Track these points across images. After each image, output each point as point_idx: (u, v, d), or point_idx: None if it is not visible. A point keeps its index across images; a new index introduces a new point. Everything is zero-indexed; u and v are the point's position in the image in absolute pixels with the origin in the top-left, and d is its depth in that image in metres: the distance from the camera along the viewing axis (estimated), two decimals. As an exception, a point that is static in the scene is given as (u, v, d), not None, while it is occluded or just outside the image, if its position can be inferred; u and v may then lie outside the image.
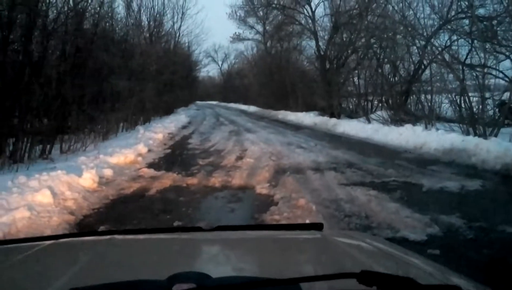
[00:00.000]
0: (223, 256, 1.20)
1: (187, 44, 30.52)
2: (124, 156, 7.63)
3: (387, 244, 1.44)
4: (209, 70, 58.00)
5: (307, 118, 18.45)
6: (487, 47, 10.28)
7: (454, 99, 10.83)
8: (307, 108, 20.77)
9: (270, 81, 25.94)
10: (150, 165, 7.32)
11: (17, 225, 3.72)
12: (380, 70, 15.40)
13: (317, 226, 1.34)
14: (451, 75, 11.66)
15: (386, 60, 15.28)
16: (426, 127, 10.63)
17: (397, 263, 1.12)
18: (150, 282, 0.74)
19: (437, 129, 9.83)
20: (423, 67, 13.96)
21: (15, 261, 1.06)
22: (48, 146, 7.52)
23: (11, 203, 4.13)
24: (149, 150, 9.10)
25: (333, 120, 15.98)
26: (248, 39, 32.30)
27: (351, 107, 18.21)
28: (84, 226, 3.99)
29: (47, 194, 4.51)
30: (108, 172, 6.24)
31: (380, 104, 15.99)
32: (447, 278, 0.96)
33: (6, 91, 6.44)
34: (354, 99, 18.03)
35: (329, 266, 1.07)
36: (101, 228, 3.74)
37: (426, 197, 4.86)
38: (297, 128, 15.50)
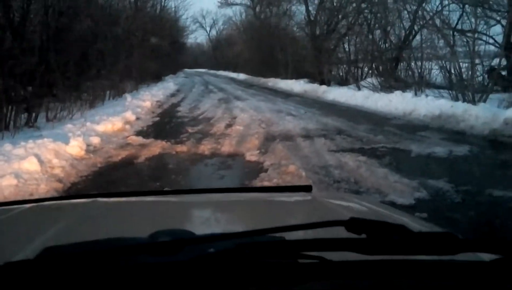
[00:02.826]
0: (210, 218, 1.16)
1: (173, 8, 29.81)
2: (111, 124, 7.52)
3: (376, 204, 1.42)
4: (197, 37, 57.20)
5: (297, 85, 18.32)
6: (478, 12, 10.18)
7: (444, 65, 10.81)
8: (297, 75, 20.59)
9: (260, 48, 25.58)
10: (138, 133, 7.24)
11: (4, 192, 3.67)
12: (370, 36, 15.24)
13: (306, 188, 1.32)
14: (441, 41, 11.61)
15: (377, 25, 15.11)
16: (415, 94, 10.63)
17: (388, 219, 1.09)
18: (130, 239, 0.70)
19: (427, 96, 9.84)
20: (413, 33, 13.84)
21: None
22: (34, 114, 7.37)
23: (-3, 171, 4.06)
24: (137, 118, 8.99)
25: (323, 87, 15.89)
26: (237, 4, 31.71)
27: (341, 74, 18.08)
28: (73, 193, 3.96)
29: (34, 161, 4.44)
30: (95, 140, 6.16)
31: (370, 71, 15.92)
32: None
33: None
34: (345, 66, 17.89)
35: None
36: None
37: (415, 162, 4.91)
38: (287, 95, 15.41)
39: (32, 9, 7.82)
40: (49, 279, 0.56)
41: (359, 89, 13.78)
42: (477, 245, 0.64)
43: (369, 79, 14.61)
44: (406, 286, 0.59)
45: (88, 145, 5.78)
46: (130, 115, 8.72)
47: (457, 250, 0.58)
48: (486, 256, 0.61)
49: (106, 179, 4.49)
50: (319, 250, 0.59)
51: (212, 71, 46.47)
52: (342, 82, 16.97)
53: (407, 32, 14.03)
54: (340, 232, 0.61)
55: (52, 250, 0.66)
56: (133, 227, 0.96)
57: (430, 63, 12.26)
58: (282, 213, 1.18)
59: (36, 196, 3.74)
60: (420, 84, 11.49)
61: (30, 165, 4.38)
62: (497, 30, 10.54)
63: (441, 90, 10.34)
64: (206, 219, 1.15)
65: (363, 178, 4.15)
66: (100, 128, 7.10)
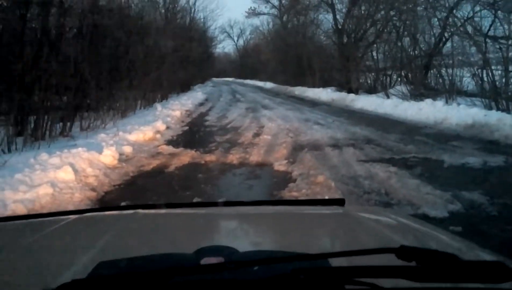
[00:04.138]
0: (246, 231, 1.19)
1: (202, 19, 30.32)
2: (142, 133, 7.69)
3: (410, 219, 1.41)
4: (225, 46, 57.92)
5: (324, 94, 18.24)
6: (511, 18, 9.91)
7: (476, 72, 10.54)
8: (324, 84, 20.52)
9: (287, 57, 25.63)
10: (168, 142, 7.37)
11: (41, 201, 3.80)
12: (399, 44, 15.04)
13: (339, 202, 1.32)
14: (473, 48, 11.34)
15: (406, 33, 14.90)
16: (446, 102, 10.41)
17: (424, 238, 1.09)
18: (178, 256, 0.74)
19: (458, 104, 9.62)
20: (444, 39, 13.60)
21: (42, 235, 1.07)
22: (68, 124, 7.62)
23: (34, 179, 4.21)
24: (167, 127, 9.15)
25: (351, 95, 15.76)
26: (264, 14, 31.91)
27: (369, 82, 17.89)
28: (106, 202, 4.06)
29: (69, 171, 4.58)
30: (127, 149, 6.31)
31: (399, 79, 15.69)
32: (477, 254, 0.94)
33: (26, 69, 6.50)
34: (373, 74, 17.71)
35: (354, 241, 1.05)
36: (123, 204, 3.79)
37: (448, 173, 4.79)
38: (314, 104, 15.36)
39: (67, 22, 8.11)
40: None
41: (388, 97, 13.60)
42: None
43: (398, 87, 14.41)
44: None
45: (120, 154, 5.92)
46: (160, 125, 8.89)
47: (505, 279, 0.59)
48: None
49: (138, 187, 4.58)
50: (371, 276, 0.60)
51: (239, 80, 46.85)
52: (371, 90, 16.79)
53: (437, 39, 13.78)
54: (389, 258, 0.62)
55: (106, 265, 0.70)
56: (175, 241, 1.00)
57: (462, 70, 11.99)
58: (317, 228, 1.19)
59: (71, 205, 3.85)
60: (451, 92, 11.25)
61: (65, 174, 4.52)
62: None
63: (473, 98, 10.09)
64: (244, 233, 1.17)
65: (394, 189, 4.09)
66: (132, 137, 7.26)
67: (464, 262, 0.64)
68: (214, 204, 1.74)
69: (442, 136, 7.30)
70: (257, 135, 8.00)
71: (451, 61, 12.17)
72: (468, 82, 11.78)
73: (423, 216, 3.36)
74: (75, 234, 1.13)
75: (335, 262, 0.67)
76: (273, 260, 0.66)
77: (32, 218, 1.39)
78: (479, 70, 10.38)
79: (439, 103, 9.95)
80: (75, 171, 4.69)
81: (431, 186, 4.09)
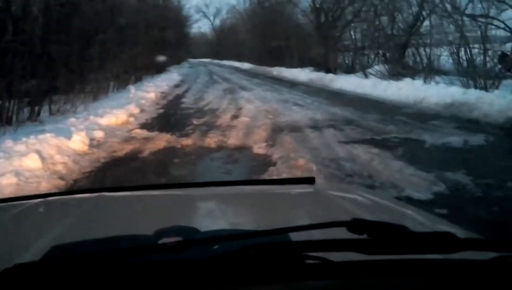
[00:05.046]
0: (214, 212, 1.18)
1: (177, -2, 29.45)
2: (115, 116, 7.37)
3: (379, 196, 1.46)
4: (201, 26, 56.44)
5: (303, 74, 18.07)
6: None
7: (454, 51, 10.53)
8: (302, 64, 20.31)
9: (264, 37, 25.26)
10: (142, 126, 7.10)
11: (4, 191, 3.54)
12: (377, 23, 14.91)
13: (309, 180, 1.32)
14: (451, 26, 11.30)
15: (383, 11, 14.77)
16: (424, 81, 10.38)
17: (390, 213, 1.10)
18: (136, 237, 0.73)
19: (437, 83, 9.60)
20: (422, 18, 13.52)
21: (1, 219, 1.06)
22: (37, 108, 7.25)
23: (-3, 169, 3.93)
24: (141, 110, 8.83)
25: (330, 75, 15.64)
26: (241, -8, 31.27)
27: (347, 62, 17.79)
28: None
29: (35, 158, 4.30)
30: (99, 134, 6.02)
31: (377, 58, 15.62)
32: (438, 227, 0.95)
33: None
34: (351, 53, 17.59)
35: (321, 219, 0.99)
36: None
37: (429, 153, 4.72)
38: (292, 84, 15.18)
39: (32, 1, 7.65)
40: (56, 281, 0.57)
41: (366, 77, 13.53)
42: (476, 244, 0.65)
43: (376, 67, 14.34)
44: (406, 285, 0.60)
45: (91, 140, 5.64)
46: (134, 108, 8.57)
47: (455, 249, 0.59)
48: (488, 255, 0.61)
49: (110, 175, 4.35)
50: (322, 250, 0.61)
51: (216, 61, 46.13)
52: (349, 70, 16.68)
53: (415, 17, 13.69)
54: (343, 232, 0.62)
55: (60, 248, 0.69)
56: (138, 223, 0.98)
57: (440, 49, 11.97)
58: (284, 207, 1.18)
59: (37, 195, 3.61)
60: (429, 71, 11.23)
61: (32, 162, 4.24)
62: (509, 15, 10.21)
63: (452, 77, 10.09)
64: (209, 213, 1.16)
65: (377, 171, 3.98)
66: (104, 121, 6.95)
67: (414, 234, 0.64)
68: (184, 185, 1.76)
69: (422, 116, 7.25)
70: (235, 117, 7.79)
71: (428, 40, 12.12)
72: (445, 61, 11.77)
73: (407, 198, 3.26)
74: (35, 218, 1.11)
75: (295, 238, 0.67)
76: (227, 238, 0.65)
77: None
78: (457, 48, 10.36)
79: (418, 82, 9.93)
80: (42, 158, 4.41)
81: (414, 167, 4.00)
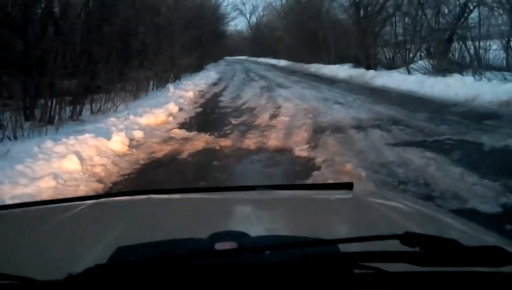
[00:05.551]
0: (257, 216, 1.22)
1: (214, -4, 29.49)
2: (154, 116, 7.31)
3: (419, 203, 1.42)
4: (237, 24, 56.36)
5: (342, 70, 17.57)
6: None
7: (506, 44, 9.81)
8: (341, 60, 19.76)
9: (301, 33, 24.83)
10: (181, 126, 6.99)
11: (42, 196, 3.46)
12: (421, 15, 14.19)
13: (347, 185, 1.33)
14: (503, 17, 10.54)
15: (427, 3, 14.04)
16: (474, 77, 9.74)
17: (434, 223, 1.09)
18: (192, 241, 0.77)
19: (489, 80, 8.96)
20: (469, 9, 12.74)
21: (58, 220, 1.10)
22: (78, 107, 7.29)
23: (36, 171, 3.88)
24: (180, 109, 8.75)
25: (371, 72, 15.09)
26: (278, -12, 30.97)
27: (388, 57, 17.11)
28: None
29: (74, 160, 4.24)
30: (138, 134, 5.95)
31: (418, 53, 14.89)
32: (483, 238, 0.95)
33: (29, 51, 6.14)
34: (391, 48, 16.90)
35: (362, 226, 1.07)
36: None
37: (491, 158, 4.28)
38: (331, 82, 14.77)
39: (73, 2, 7.70)
40: (134, 282, 0.61)
41: (409, 73, 12.92)
42: None
43: (420, 62, 13.67)
44: None
45: (131, 140, 5.57)
46: (173, 106, 8.50)
47: (504, 262, 0.59)
48: None
49: (149, 178, 4.22)
50: (377, 261, 0.62)
51: (252, 58, 46.00)
52: (390, 66, 16.03)
53: (462, 9, 12.92)
54: (394, 244, 0.63)
55: (124, 250, 0.73)
56: (189, 226, 1.02)
57: (488, 42, 11.20)
58: (324, 213, 1.20)
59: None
60: (478, 66, 10.52)
61: (70, 163, 4.18)
62: None
63: (504, 73, 9.40)
64: (253, 218, 1.19)
65: (434, 179, 3.62)
66: (143, 120, 6.89)
67: (465, 247, 0.64)
68: (222, 189, 1.85)
69: (476, 115, 6.72)
70: (274, 116, 7.56)
71: (476, 32, 11.36)
72: (494, 55, 11.01)
73: (472, 211, 2.92)
74: (92, 220, 1.16)
75: (343, 247, 0.68)
76: (284, 246, 0.68)
77: (45, 204, 1.41)
78: (508, 42, 9.64)
79: (469, 79, 9.30)
80: (81, 160, 4.35)
81: (477, 175, 3.61)
